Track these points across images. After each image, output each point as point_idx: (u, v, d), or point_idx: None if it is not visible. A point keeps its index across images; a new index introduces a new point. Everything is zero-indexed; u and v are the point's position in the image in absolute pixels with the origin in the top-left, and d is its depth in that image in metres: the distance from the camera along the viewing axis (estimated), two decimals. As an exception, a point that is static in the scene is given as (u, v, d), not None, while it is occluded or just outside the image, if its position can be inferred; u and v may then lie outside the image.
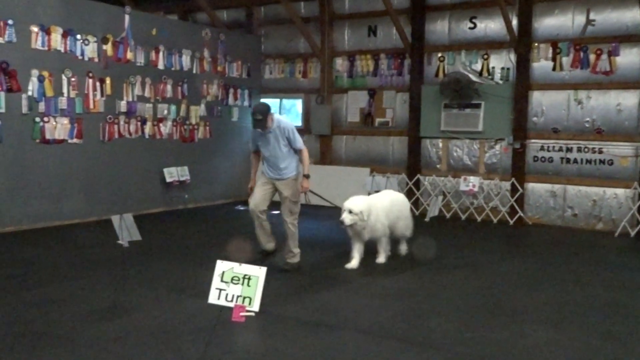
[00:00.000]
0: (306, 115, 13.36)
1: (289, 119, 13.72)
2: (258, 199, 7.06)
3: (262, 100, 13.73)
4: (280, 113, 13.82)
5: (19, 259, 7.38)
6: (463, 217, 11.27)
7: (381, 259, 7.54)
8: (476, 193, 11.12)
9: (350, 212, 6.92)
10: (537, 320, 5.44)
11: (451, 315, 5.54)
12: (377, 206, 7.29)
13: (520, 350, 4.72)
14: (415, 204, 11.70)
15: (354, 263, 7.25)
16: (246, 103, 13.40)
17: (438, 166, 11.86)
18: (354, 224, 6.98)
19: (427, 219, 8.76)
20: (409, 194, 11.75)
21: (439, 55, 11.69)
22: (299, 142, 7.01)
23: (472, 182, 11.00)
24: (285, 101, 13.78)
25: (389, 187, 11.59)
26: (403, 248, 8.04)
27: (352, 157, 12.88)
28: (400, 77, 12.17)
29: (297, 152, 7.05)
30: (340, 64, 12.90)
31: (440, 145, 11.83)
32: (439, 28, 11.76)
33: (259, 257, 7.12)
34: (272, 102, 13.92)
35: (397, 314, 5.56)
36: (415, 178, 11.79)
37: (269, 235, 7.30)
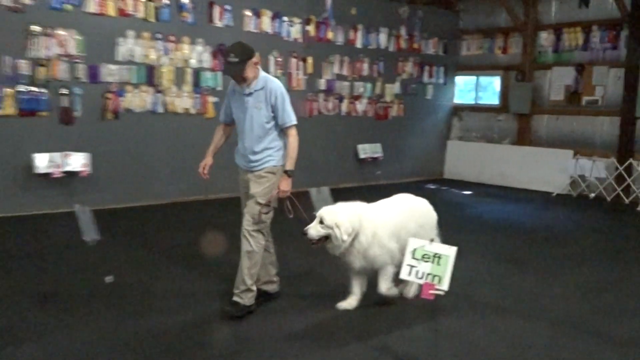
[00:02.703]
0: (504, 93, 12.85)
1: (486, 96, 13.43)
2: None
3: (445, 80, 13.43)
4: (476, 91, 13.47)
5: (227, 223, 8.12)
6: (683, 208, 10.05)
7: (383, 286, 4.83)
8: (701, 182, 9.86)
9: (321, 222, 4.61)
10: None
11: (661, 316, 5.04)
12: (377, 222, 4.70)
13: None
14: (626, 191, 10.69)
15: (349, 302, 4.86)
16: (441, 81, 13.25)
17: (655, 150, 10.68)
18: (326, 241, 4.63)
19: (639, 209, 8.05)
20: (619, 180, 10.76)
21: (663, 25, 10.46)
22: (290, 116, 4.64)
23: (697, 170, 9.76)
24: (482, 79, 13.40)
25: (595, 172, 10.78)
26: (412, 289, 5.03)
27: (554, 138, 12.12)
28: (614, 50, 11.15)
29: (284, 132, 4.72)
30: (545, 38, 12.16)
31: (659, 127, 10.63)
32: (664, -5, 10.50)
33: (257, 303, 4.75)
34: (469, 80, 13.62)
35: (596, 309, 5.19)
36: (627, 163, 10.72)
37: (269, 267, 4.94)
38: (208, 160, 4.87)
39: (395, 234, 4.75)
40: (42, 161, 8.15)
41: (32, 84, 8.09)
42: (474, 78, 13.48)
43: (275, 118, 4.64)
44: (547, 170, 11.70)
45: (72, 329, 4.36)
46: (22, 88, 8.02)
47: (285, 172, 4.67)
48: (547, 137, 12.25)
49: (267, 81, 4.64)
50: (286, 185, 4.65)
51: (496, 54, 13.00)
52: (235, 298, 4.62)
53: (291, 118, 4.65)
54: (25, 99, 8.07)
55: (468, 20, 13.44)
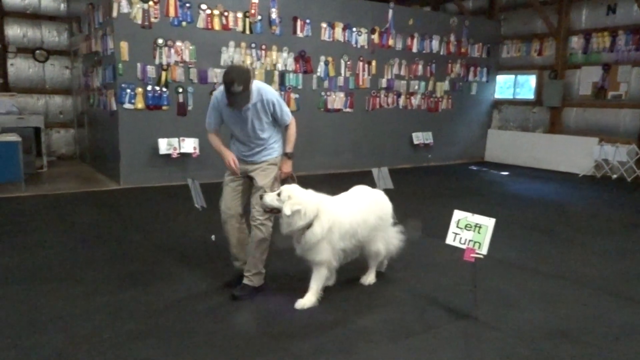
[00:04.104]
0: (539, 89, 12.18)
1: (523, 92, 12.77)
2: (229, 198, 4.16)
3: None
4: (514, 87, 12.85)
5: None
6: (698, 188, 9.24)
7: (306, 300, 3.83)
8: None
9: (279, 194, 3.77)
10: None
11: (677, 281, 4.66)
12: (335, 217, 3.85)
13: None
14: (645, 173, 9.97)
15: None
16: (484, 79, 12.70)
17: (674, 138, 9.84)
18: (278, 214, 3.78)
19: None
20: (639, 164, 10.02)
21: (685, 28, 9.55)
22: (288, 114, 4.07)
23: None
24: (519, 77, 12.74)
25: (617, 156, 10.08)
26: (369, 278, 4.35)
27: (581, 127, 11.40)
28: (638, 52, 10.29)
29: (285, 127, 4.12)
30: (576, 41, 11.38)
31: (678, 117, 9.77)
32: (687, 1, 9.57)
33: (231, 279, 4.23)
34: (508, 78, 13.00)
35: (615, 272, 4.86)
36: (647, 149, 9.99)
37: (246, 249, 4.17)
38: (231, 154, 4.04)
39: (349, 232, 3.91)
40: (164, 144, 8.44)
41: (157, 84, 8.37)
42: (512, 77, 12.85)
43: (276, 120, 4.04)
44: (575, 154, 11.05)
45: (185, 275, 4.51)
46: (149, 88, 8.31)
47: (286, 154, 4.10)
48: (575, 127, 11.53)
49: (262, 92, 3.89)
50: (287, 167, 4.11)
51: (532, 56, 12.31)
52: (245, 281, 4.04)
53: (289, 115, 4.07)
54: (152, 96, 8.37)
55: (508, 27, 12.77)
